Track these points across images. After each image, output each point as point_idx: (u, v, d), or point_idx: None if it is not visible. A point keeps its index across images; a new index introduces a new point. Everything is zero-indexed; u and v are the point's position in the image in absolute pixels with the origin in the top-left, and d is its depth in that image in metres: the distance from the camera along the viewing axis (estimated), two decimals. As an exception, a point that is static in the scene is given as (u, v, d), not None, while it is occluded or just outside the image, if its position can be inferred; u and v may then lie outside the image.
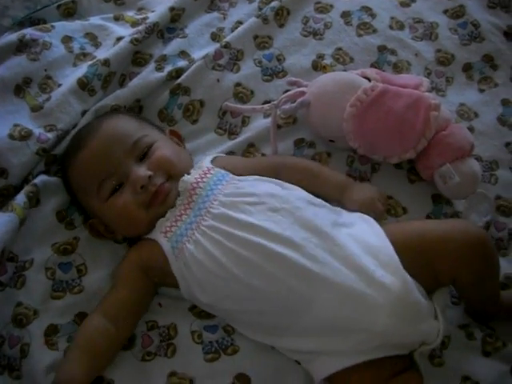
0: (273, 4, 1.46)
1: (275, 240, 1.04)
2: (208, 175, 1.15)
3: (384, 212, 1.19)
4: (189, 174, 1.15)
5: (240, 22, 1.45)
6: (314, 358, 1.05)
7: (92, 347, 1.06)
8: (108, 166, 1.13)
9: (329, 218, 1.11)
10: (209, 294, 1.07)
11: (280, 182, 1.17)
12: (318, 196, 1.16)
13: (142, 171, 1.12)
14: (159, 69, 1.36)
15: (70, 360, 1.06)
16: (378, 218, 1.14)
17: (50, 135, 1.22)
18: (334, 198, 1.19)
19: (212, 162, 1.20)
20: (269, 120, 1.31)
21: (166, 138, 1.23)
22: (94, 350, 1.06)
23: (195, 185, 1.13)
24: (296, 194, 1.14)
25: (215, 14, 1.47)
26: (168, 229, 1.11)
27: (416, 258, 1.06)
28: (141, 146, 1.15)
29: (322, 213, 1.12)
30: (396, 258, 1.05)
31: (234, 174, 1.17)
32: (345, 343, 1.02)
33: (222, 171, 1.16)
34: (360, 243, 1.07)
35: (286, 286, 1.02)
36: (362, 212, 1.15)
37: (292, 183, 1.17)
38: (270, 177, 1.17)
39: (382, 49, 1.43)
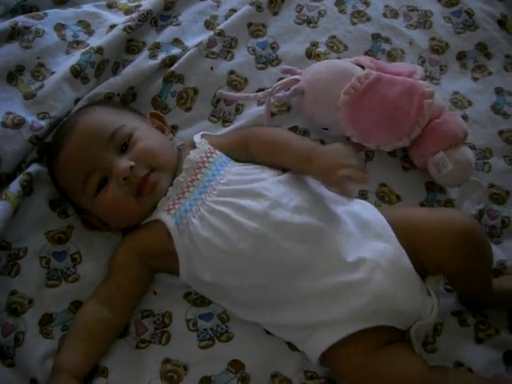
0: (267, -9, 1.45)
1: (282, 208, 1.06)
2: (214, 155, 1.16)
3: (355, 173, 1.03)
4: (194, 149, 1.16)
5: (234, 10, 1.44)
6: (309, 334, 1.06)
7: (89, 333, 1.06)
8: (88, 162, 1.11)
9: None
10: (212, 271, 1.07)
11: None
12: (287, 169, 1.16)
13: (124, 163, 1.10)
14: (153, 56, 1.35)
15: (67, 346, 1.06)
16: (354, 180, 1.03)
17: (42, 123, 1.21)
18: (300, 171, 1.12)
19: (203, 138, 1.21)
20: (263, 108, 1.31)
21: (146, 125, 1.22)
22: (92, 335, 1.06)
23: (200, 164, 1.14)
24: None
25: (209, 2, 1.46)
26: (171, 206, 1.11)
27: (403, 243, 1.08)
28: (119, 137, 1.13)
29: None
30: (389, 228, 1.09)
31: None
32: (341, 310, 1.03)
33: (224, 156, 1.17)
34: (354, 218, 1.10)
35: (290, 253, 1.04)
36: (329, 183, 1.06)
37: (260, 156, 1.16)
38: (241, 151, 1.18)
39: (376, 37, 1.44)
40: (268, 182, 1.11)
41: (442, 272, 1.09)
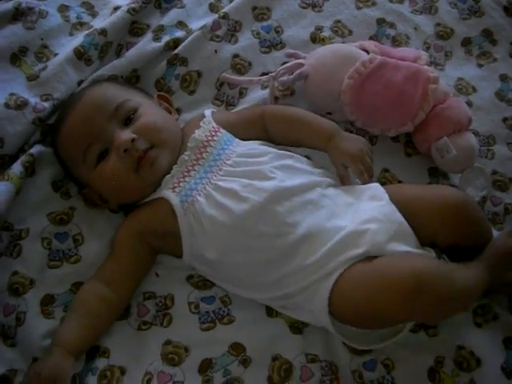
0: (272, -25, 1.44)
1: (287, 186, 1.08)
2: (218, 134, 1.17)
3: (372, 167, 1.15)
4: (198, 128, 1.17)
5: (238, -7, 1.43)
6: (314, 289, 1.04)
7: (86, 310, 1.07)
8: (90, 132, 1.12)
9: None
10: (217, 248, 1.07)
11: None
12: (302, 145, 1.20)
13: (125, 135, 1.11)
14: (156, 39, 1.34)
15: (64, 323, 1.07)
16: (367, 173, 1.13)
17: (46, 104, 1.21)
18: (319, 146, 1.18)
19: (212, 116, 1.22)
20: (266, 92, 1.31)
21: (152, 103, 1.22)
22: (89, 312, 1.07)
23: (206, 143, 1.15)
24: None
25: (214, -15, 1.45)
26: (176, 184, 1.11)
27: None
28: (124, 110, 1.14)
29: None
30: (381, 188, 1.12)
31: (226, 129, 1.19)
32: (337, 261, 1.03)
33: (228, 134, 1.18)
34: (350, 190, 1.14)
35: (294, 228, 1.05)
36: (347, 164, 1.14)
37: (277, 133, 1.20)
38: (256, 128, 1.21)
39: (381, 22, 1.43)
40: (273, 164, 1.12)
41: (436, 245, 1.09)
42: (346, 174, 1.15)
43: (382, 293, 0.97)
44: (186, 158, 1.14)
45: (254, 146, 1.17)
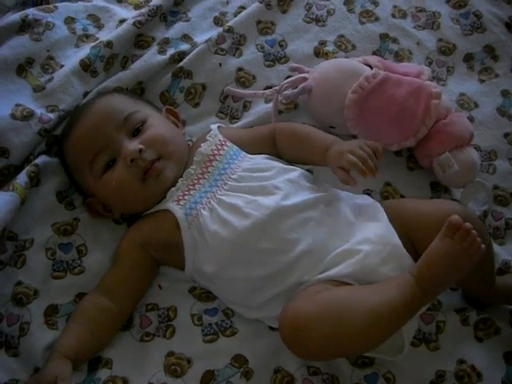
0: (276, -11, 1.46)
1: (290, 203, 1.08)
2: (225, 147, 1.17)
3: (366, 159, 1.06)
4: (205, 142, 1.18)
5: (243, 7, 1.44)
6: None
7: (85, 318, 1.07)
8: (98, 141, 1.13)
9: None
10: (217, 262, 1.08)
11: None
12: (307, 162, 1.20)
13: (133, 145, 1.12)
14: (162, 52, 1.35)
15: (63, 331, 1.07)
16: (363, 164, 1.06)
17: (51, 116, 1.21)
18: (320, 160, 1.15)
19: (218, 130, 1.22)
20: (270, 105, 1.31)
21: (160, 116, 1.23)
22: (87, 320, 1.07)
23: (212, 157, 1.16)
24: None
25: (218, -1, 1.46)
26: (181, 197, 1.12)
27: (397, 232, 1.08)
28: (133, 121, 1.15)
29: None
30: (381, 209, 1.11)
31: (237, 145, 1.19)
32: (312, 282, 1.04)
33: (235, 147, 1.18)
34: (353, 208, 1.14)
35: (294, 246, 1.06)
36: (338, 162, 1.08)
37: (283, 149, 1.20)
38: (267, 145, 1.21)
39: (384, 37, 1.44)
40: (278, 180, 1.12)
41: None
42: (344, 175, 1.08)
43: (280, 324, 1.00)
44: (192, 171, 1.15)
45: (260, 160, 1.17)
